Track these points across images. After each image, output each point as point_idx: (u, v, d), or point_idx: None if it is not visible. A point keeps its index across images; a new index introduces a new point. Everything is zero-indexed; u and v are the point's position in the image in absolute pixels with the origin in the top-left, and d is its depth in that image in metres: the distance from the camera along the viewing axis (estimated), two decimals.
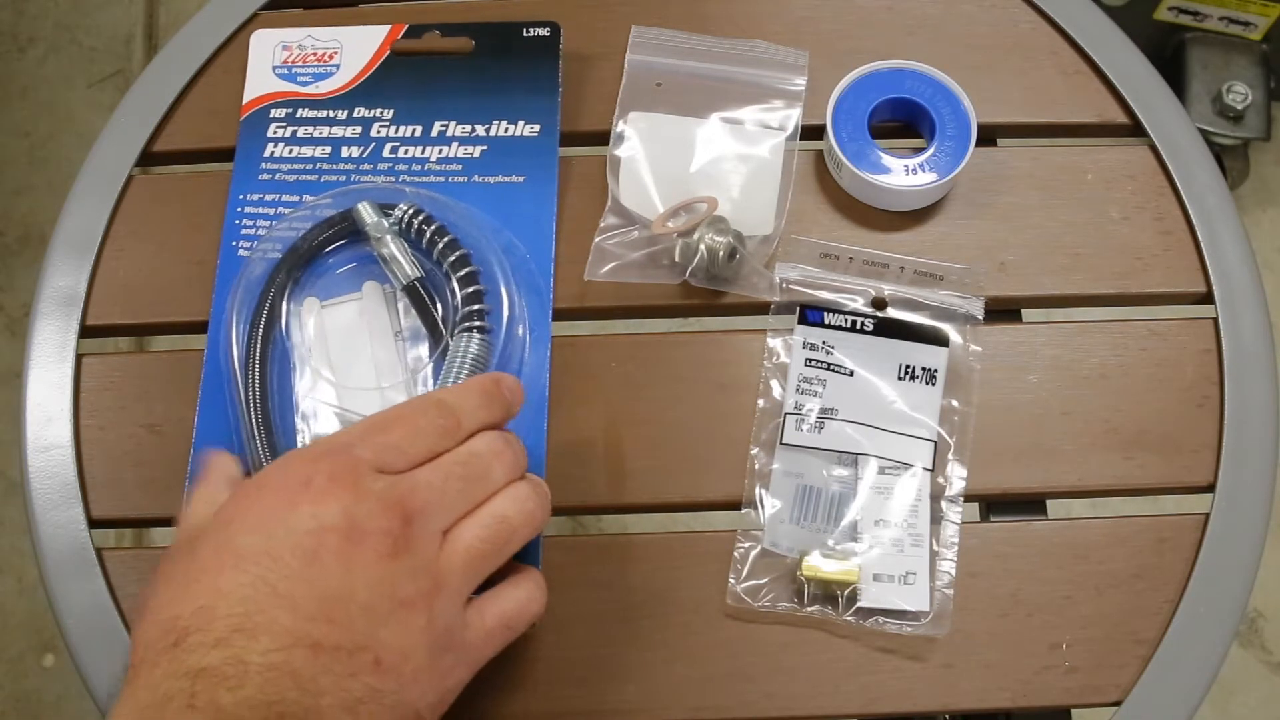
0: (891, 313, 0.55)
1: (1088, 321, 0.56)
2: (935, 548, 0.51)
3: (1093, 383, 0.55)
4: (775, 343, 0.55)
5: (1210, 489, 0.53)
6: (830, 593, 0.50)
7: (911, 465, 0.52)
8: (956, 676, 0.50)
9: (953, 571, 0.51)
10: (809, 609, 0.50)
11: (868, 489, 0.52)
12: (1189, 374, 0.55)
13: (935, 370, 0.54)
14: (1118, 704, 0.50)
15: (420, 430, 0.43)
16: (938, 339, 0.54)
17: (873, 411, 0.53)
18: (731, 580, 0.51)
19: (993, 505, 0.54)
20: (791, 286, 0.55)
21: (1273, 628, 1.16)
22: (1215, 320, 0.56)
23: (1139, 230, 0.57)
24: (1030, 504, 0.54)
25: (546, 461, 0.53)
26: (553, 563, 0.52)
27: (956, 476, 0.52)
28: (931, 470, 0.52)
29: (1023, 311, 0.58)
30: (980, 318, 0.55)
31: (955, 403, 0.53)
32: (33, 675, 1.18)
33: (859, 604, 0.50)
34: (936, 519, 0.51)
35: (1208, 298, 0.56)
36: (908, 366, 0.54)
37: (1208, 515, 0.52)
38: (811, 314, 0.55)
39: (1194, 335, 0.56)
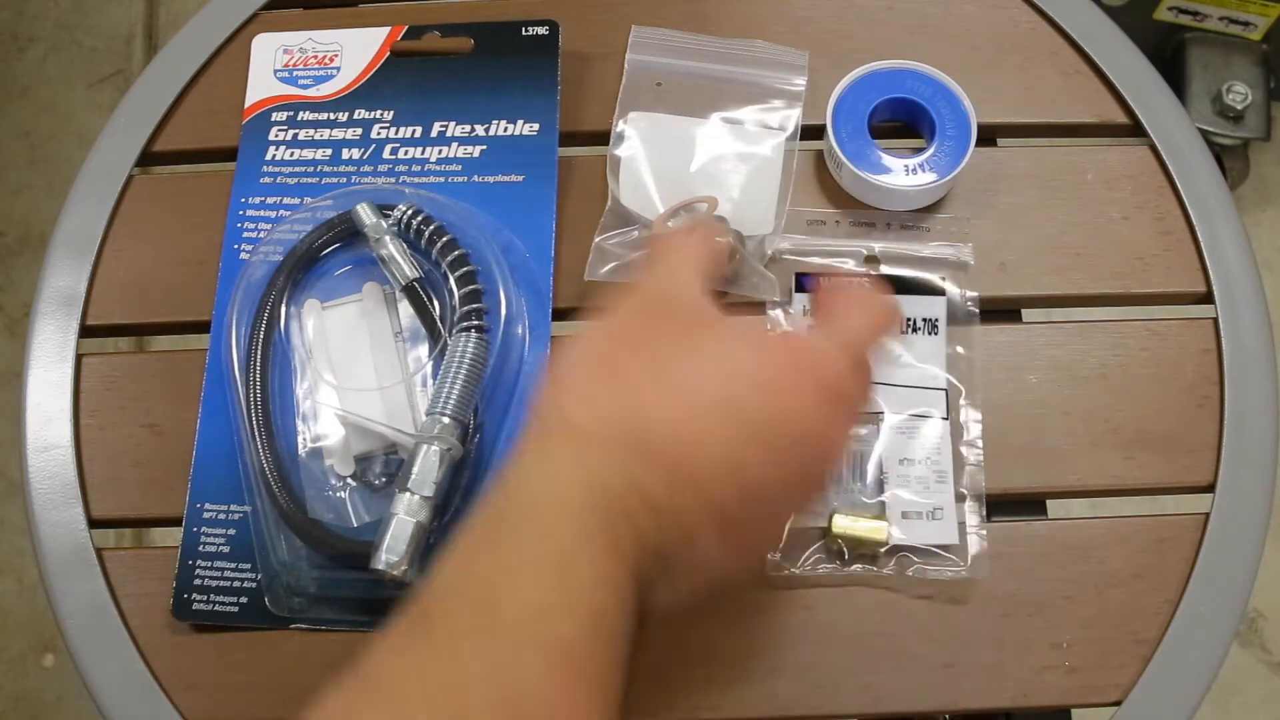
0: (885, 269, 0.55)
1: (1088, 321, 0.56)
2: (961, 490, 0.52)
3: (1093, 383, 0.55)
4: (775, 313, 0.55)
5: (1210, 489, 0.53)
6: (862, 550, 0.51)
7: (928, 415, 0.53)
8: (956, 676, 0.50)
9: (983, 514, 0.51)
10: (850, 568, 0.51)
11: (887, 443, 0.52)
12: (1189, 374, 0.55)
13: (936, 319, 0.54)
14: (1118, 704, 0.50)
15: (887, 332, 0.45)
16: (933, 289, 0.55)
17: (881, 369, 0.53)
18: (770, 553, 0.51)
19: (993, 505, 0.54)
20: (785, 256, 0.56)
21: (1273, 628, 1.16)
22: (1215, 320, 0.56)
23: (1139, 230, 0.57)
24: (1030, 504, 0.54)
25: None
26: None
27: (972, 421, 0.53)
28: (947, 417, 0.53)
29: (1023, 311, 0.58)
30: (971, 262, 0.55)
31: (960, 349, 0.54)
32: (33, 675, 1.18)
33: (891, 542, 0.50)
34: (959, 465, 0.52)
35: (1208, 298, 0.56)
36: (908, 319, 0.54)
37: (1208, 515, 0.52)
38: (807, 280, 0.55)
39: (1194, 335, 0.56)
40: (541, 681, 0.33)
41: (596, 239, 0.57)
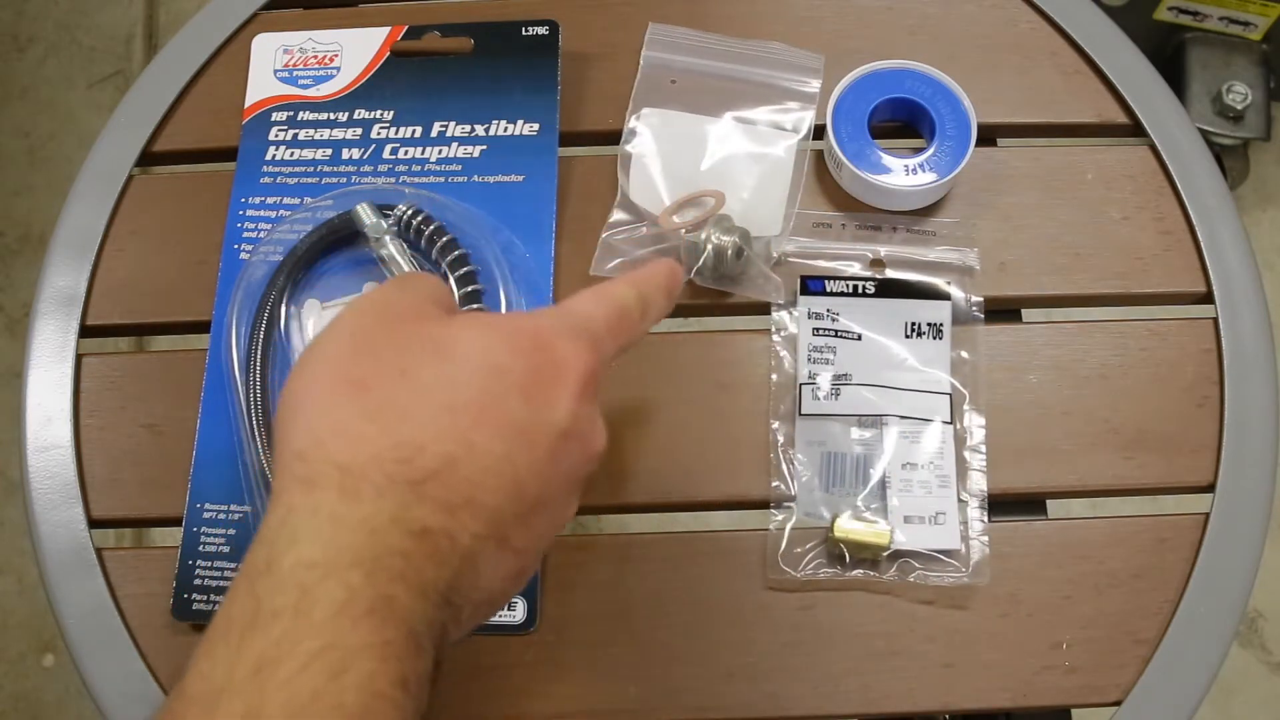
0: (890, 273, 0.55)
1: (1088, 321, 0.56)
2: (964, 496, 0.52)
3: (1093, 383, 0.55)
4: (781, 315, 0.55)
5: (1210, 489, 0.53)
6: (864, 555, 0.51)
7: (931, 419, 0.53)
8: (956, 676, 0.50)
9: (985, 519, 0.51)
10: (851, 573, 0.51)
11: (891, 446, 0.52)
12: (1189, 374, 0.55)
13: (940, 324, 0.54)
14: (1118, 704, 0.50)
15: (633, 340, 0.42)
16: (938, 294, 0.55)
17: (886, 371, 0.54)
18: (772, 554, 0.51)
19: (993, 505, 0.54)
20: (790, 259, 0.56)
21: (1273, 628, 1.16)
22: (1215, 320, 0.56)
23: (1139, 230, 0.57)
24: (1030, 504, 0.54)
25: None
26: (553, 563, 0.52)
27: (975, 425, 0.53)
28: (950, 422, 0.53)
29: (1023, 311, 0.58)
30: (976, 267, 0.55)
31: (964, 354, 0.54)
32: (33, 675, 1.18)
33: (894, 546, 0.50)
34: (962, 471, 0.52)
35: (1208, 298, 0.56)
36: (913, 324, 0.54)
37: (1208, 515, 0.52)
38: (813, 283, 0.55)
39: (1194, 335, 0.56)
40: None
41: (603, 234, 0.57)
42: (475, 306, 0.53)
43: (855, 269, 0.56)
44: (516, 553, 0.37)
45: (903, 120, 0.59)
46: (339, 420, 0.35)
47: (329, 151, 0.59)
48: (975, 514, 0.52)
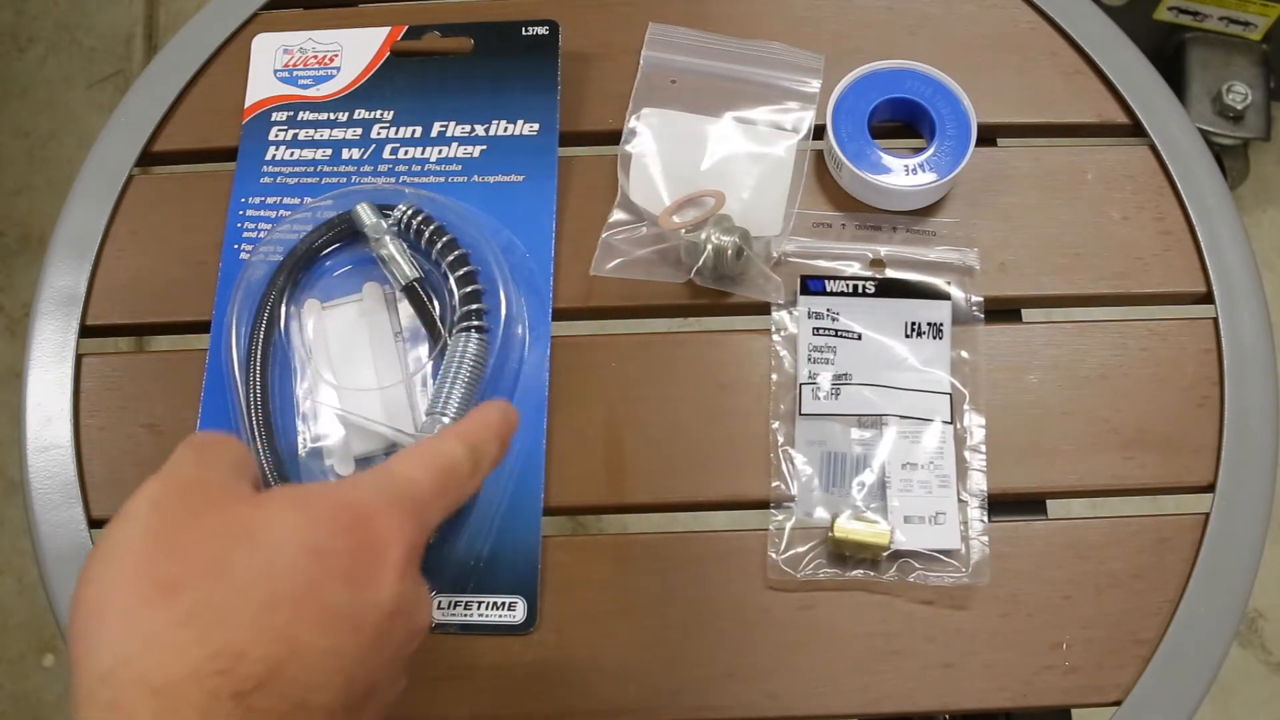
0: (890, 273, 0.55)
1: (1088, 321, 0.56)
2: (964, 496, 0.52)
3: (1093, 383, 0.55)
4: (781, 315, 0.55)
5: (1210, 489, 0.53)
6: (864, 555, 0.51)
7: (931, 419, 0.53)
8: (956, 676, 0.50)
9: (985, 519, 0.51)
10: (851, 573, 0.51)
11: (891, 446, 0.52)
12: (1189, 374, 0.55)
13: (941, 324, 0.55)
14: (1118, 704, 0.50)
15: (462, 498, 0.40)
16: (938, 293, 0.55)
17: (886, 371, 0.54)
18: (772, 554, 0.51)
19: (993, 505, 0.54)
20: (790, 259, 0.56)
21: (1273, 628, 1.16)
22: (1215, 320, 0.56)
23: (1139, 230, 0.57)
24: (1030, 504, 0.54)
25: (546, 461, 0.53)
26: (553, 563, 0.52)
27: (975, 425, 0.53)
28: (950, 422, 0.53)
29: (1023, 311, 0.58)
30: (976, 267, 0.56)
31: (964, 354, 0.54)
32: (33, 675, 1.18)
33: (894, 546, 0.50)
34: (962, 471, 0.52)
35: (1208, 298, 0.56)
36: (913, 323, 0.54)
37: (1208, 515, 0.52)
38: (813, 283, 0.55)
39: (1194, 335, 0.56)
40: None
41: (604, 234, 0.56)
42: (475, 307, 0.53)
43: (855, 269, 0.56)
44: None
45: (903, 120, 0.59)
46: (147, 631, 0.31)
47: (329, 151, 0.59)
48: (975, 514, 0.52)
